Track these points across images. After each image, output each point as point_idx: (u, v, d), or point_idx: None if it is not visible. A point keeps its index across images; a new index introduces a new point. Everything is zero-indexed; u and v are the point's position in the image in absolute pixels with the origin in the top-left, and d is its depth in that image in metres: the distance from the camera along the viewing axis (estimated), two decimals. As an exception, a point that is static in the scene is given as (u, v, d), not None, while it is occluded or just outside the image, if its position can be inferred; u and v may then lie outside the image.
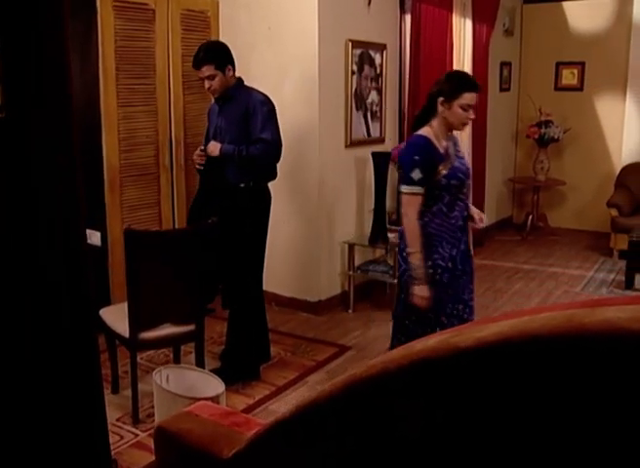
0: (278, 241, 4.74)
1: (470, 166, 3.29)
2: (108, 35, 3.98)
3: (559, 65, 7.32)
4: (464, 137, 6.04)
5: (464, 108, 2.87)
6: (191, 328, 3.21)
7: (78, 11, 4.02)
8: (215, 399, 2.22)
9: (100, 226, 4.14)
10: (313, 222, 4.63)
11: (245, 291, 3.61)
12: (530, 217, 7.16)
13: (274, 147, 3.49)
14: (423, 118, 3.00)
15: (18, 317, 1.42)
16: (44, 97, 1.34)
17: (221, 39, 4.72)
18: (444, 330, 1.76)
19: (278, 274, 4.75)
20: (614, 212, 6.25)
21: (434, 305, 2.94)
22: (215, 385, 2.45)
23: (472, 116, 2.92)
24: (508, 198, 7.79)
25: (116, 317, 3.21)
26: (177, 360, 3.56)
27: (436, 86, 2.99)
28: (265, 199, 3.65)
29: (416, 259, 2.87)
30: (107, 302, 4.03)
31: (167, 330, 3.13)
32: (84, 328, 1.43)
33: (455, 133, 3.04)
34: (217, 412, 1.59)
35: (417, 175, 2.84)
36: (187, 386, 2.46)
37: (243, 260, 3.59)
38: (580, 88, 7.25)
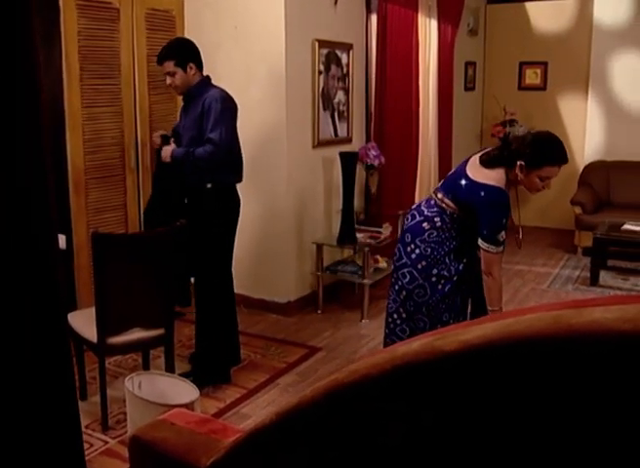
0: (246, 242, 4.70)
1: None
2: (72, 34, 3.90)
3: (522, 65, 7.42)
4: (431, 138, 6.08)
5: (542, 179, 2.75)
6: (160, 332, 3.16)
7: (41, 9, 3.93)
8: (189, 405, 2.18)
9: (66, 229, 4.05)
10: (281, 223, 4.61)
11: (213, 292, 3.57)
12: (495, 216, 7.22)
13: (220, 149, 3.38)
14: (496, 160, 2.81)
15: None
16: (13, 95, 1.29)
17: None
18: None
19: (247, 276, 4.72)
20: (577, 209, 6.35)
21: (432, 314, 2.96)
22: (189, 391, 2.41)
23: (548, 187, 2.77)
24: (474, 196, 7.85)
25: (84, 322, 3.14)
26: (146, 364, 3.51)
27: (521, 144, 2.77)
28: (232, 200, 3.62)
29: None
30: (73, 307, 3.95)
31: (136, 334, 3.08)
32: (54, 333, 1.39)
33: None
34: (192, 420, 1.56)
35: (503, 236, 2.79)
36: (160, 392, 2.41)
37: (210, 262, 3.55)
38: (543, 87, 7.36)
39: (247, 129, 4.08)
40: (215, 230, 3.51)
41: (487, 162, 2.82)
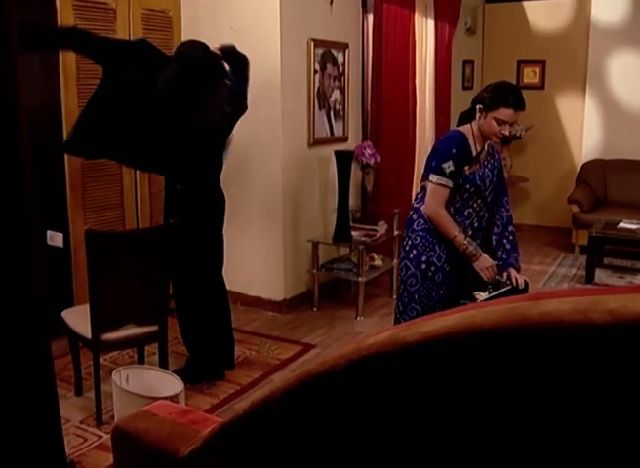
0: (242, 240, 4.75)
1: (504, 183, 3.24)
2: (68, 35, 3.94)
3: (521, 64, 7.43)
4: (428, 136, 6.11)
5: (499, 122, 2.86)
6: (154, 328, 3.21)
7: (37, 10, 3.98)
8: (174, 398, 2.22)
9: (63, 228, 4.10)
10: (277, 221, 4.65)
11: (190, 293, 3.58)
12: (493, 214, 7.26)
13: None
14: (467, 117, 3.03)
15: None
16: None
17: (184, 38, 4.72)
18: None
19: (243, 274, 4.76)
20: (574, 208, 6.37)
21: (424, 302, 3.01)
22: (174, 385, 2.46)
23: (506, 132, 2.88)
24: (473, 195, 7.88)
25: (78, 318, 3.19)
26: (141, 360, 3.55)
27: (482, 91, 3.00)
28: (208, 201, 3.55)
29: (460, 242, 2.92)
30: (71, 304, 4.00)
31: (130, 330, 3.13)
32: (32, 334, 1.41)
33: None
34: (174, 411, 1.60)
35: (449, 167, 2.89)
36: (147, 386, 2.46)
37: (189, 263, 3.51)
38: (541, 86, 7.37)
39: (243, 127, 4.10)
40: (193, 232, 3.47)
41: (459, 122, 3.09)
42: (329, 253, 5.10)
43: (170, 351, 3.98)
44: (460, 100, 7.12)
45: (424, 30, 5.91)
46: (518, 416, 1.04)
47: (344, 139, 5.16)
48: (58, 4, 3.88)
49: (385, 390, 1.15)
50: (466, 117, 3.05)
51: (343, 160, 4.66)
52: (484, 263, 2.95)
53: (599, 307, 0.94)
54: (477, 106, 2.93)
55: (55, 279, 4.14)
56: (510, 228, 3.15)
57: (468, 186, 2.95)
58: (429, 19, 5.96)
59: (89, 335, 3.05)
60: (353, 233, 4.84)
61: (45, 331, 1.39)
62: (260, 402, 1.30)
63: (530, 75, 7.40)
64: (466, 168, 2.93)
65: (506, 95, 2.87)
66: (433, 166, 2.94)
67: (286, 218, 4.67)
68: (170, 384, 2.48)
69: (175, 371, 3.60)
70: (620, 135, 6.84)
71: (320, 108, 4.83)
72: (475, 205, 3.01)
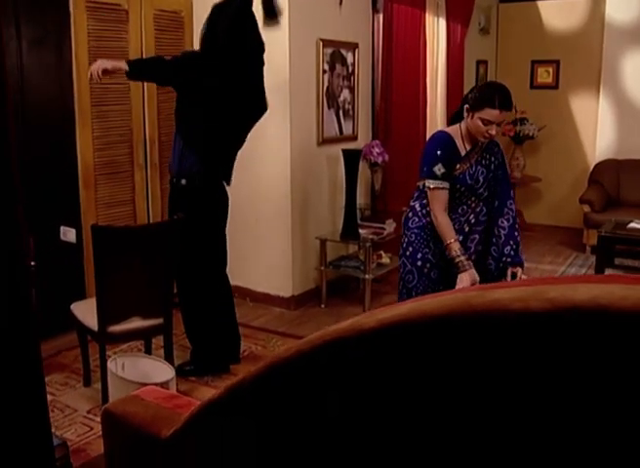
0: (251, 237, 4.83)
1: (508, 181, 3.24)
2: (82, 35, 4.05)
3: (534, 64, 7.44)
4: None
5: (485, 122, 2.88)
6: (160, 321, 3.29)
7: (51, 11, 4.10)
8: (164, 384, 2.30)
9: (76, 223, 4.20)
10: (285, 219, 4.71)
11: (193, 288, 3.66)
12: (506, 214, 7.27)
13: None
14: (458, 117, 3.07)
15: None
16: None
17: (195, 39, 4.81)
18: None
19: (252, 270, 4.84)
20: (586, 207, 6.37)
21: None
22: (166, 372, 2.54)
23: (493, 132, 2.89)
24: (486, 195, 7.90)
25: (86, 311, 3.28)
26: (148, 353, 3.64)
27: (469, 91, 3.04)
28: (211, 198, 3.59)
29: (452, 250, 2.95)
30: (83, 297, 4.10)
31: (135, 323, 3.21)
32: (22, 336, 1.46)
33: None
34: (161, 396, 1.67)
35: (440, 169, 2.93)
36: (141, 373, 2.54)
37: (192, 259, 3.57)
38: (555, 86, 7.37)
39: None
40: (194, 228, 3.52)
41: (450, 122, 3.14)
42: (337, 250, 5.16)
43: (178, 345, 4.08)
44: (474, 100, 7.16)
45: (436, 30, 5.94)
46: (465, 398, 1.10)
47: (354, 138, 5.22)
48: (71, 5, 3.98)
49: (345, 373, 1.21)
50: (458, 117, 3.08)
51: (351, 158, 4.72)
52: (467, 277, 2.94)
53: (539, 296, 1.00)
54: (464, 106, 2.97)
55: (67, 273, 4.26)
56: (517, 222, 3.19)
57: (459, 186, 2.99)
58: (441, 19, 6.00)
59: (95, 327, 3.14)
60: (361, 231, 4.90)
61: (35, 334, 1.44)
62: (235, 385, 1.37)
63: (544, 75, 7.39)
64: (457, 167, 2.97)
65: (492, 95, 2.88)
66: (425, 171, 2.99)
67: (294, 216, 4.74)
68: (162, 371, 2.56)
69: (181, 365, 3.70)
70: (634, 134, 6.81)
71: (329, 107, 4.89)
72: (469, 202, 3.05)
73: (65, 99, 4.10)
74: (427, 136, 5.88)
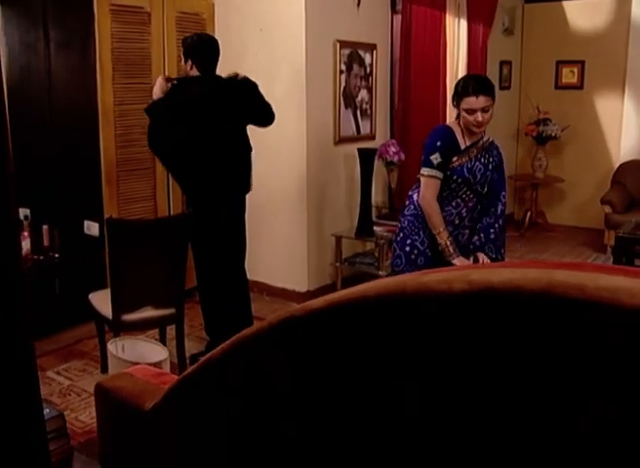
0: (269, 232, 4.96)
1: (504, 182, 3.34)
2: (105, 37, 4.22)
3: (559, 64, 7.42)
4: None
5: (469, 112, 2.99)
6: (172, 311, 3.43)
7: (77, 14, 4.28)
8: (157, 364, 2.43)
9: (99, 218, 4.38)
10: (302, 215, 4.83)
11: (211, 281, 3.82)
12: (528, 214, 7.28)
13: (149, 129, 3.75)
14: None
15: None
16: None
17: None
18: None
19: (269, 265, 4.97)
20: (607, 208, 6.35)
21: None
22: (161, 353, 2.67)
23: (479, 119, 2.97)
24: (509, 195, 7.89)
25: (102, 300, 3.44)
26: (162, 342, 3.78)
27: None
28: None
29: (442, 239, 3.08)
30: (104, 288, 4.27)
31: (148, 312, 3.36)
32: (13, 333, 1.55)
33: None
34: (149, 374, 1.79)
35: (437, 158, 3.05)
36: (139, 354, 2.69)
37: (208, 254, 3.78)
38: (579, 86, 7.34)
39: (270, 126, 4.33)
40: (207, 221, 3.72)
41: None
42: (354, 247, 5.25)
43: (195, 336, 4.24)
44: (497, 101, 7.17)
45: (456, 31, 5.99)
46: (398, 374, 1.20)
47: (372, 137, 5.31)
48: (95, 8, 4.16)
49: (296, 350, 1.33)
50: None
51: (366, 157, 4.81)
52: (458, 263, 3.06)
53: (463, 278, 1.11)
54: (453, 103, 3.10)
55: (90, 265, 4.44)
56: (501, 222, 3.25)
57: (455, 177, 3.07)
58: (462, 20, 6.04)
59: (110, 316, 3.30)
60: (377, 228, 4.99)
61: (27, 331, 1.54)
62: (206, 359, 1.49)
63: (568, 75, 7.37)
64: (455, 159, 3.06)
65: (466, 84, 3.01)
66: (423, 159, 3.08)
67: (310, 213, 4.85)
68: (158, 353, 2.70)
69: (195, 354, 3.85)
70: (659, 135, 6.77)
71: (346, 107, 4.99)
72: (464, 196, 3.13)
73: (89, 99, 4.27)
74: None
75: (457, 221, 3.17)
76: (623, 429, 0.92)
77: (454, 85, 5.66)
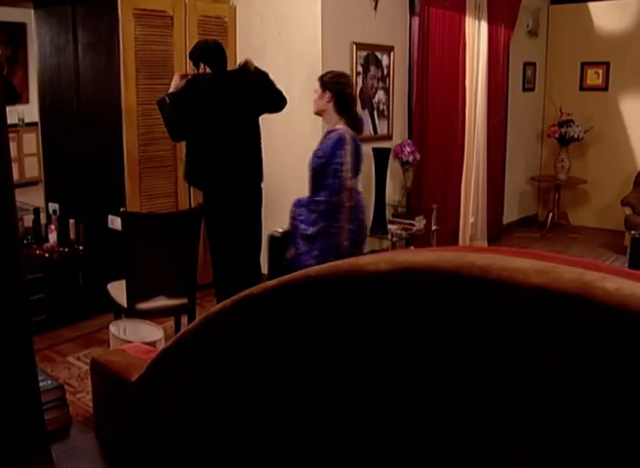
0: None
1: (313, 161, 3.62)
2: (129, 40, 4.42)
3: (584, 65, 7.42)
4: (479, 136, 6.25)
5: None
6: (184, 301, 3.60)
7: (103, 18, 4.49)
8: (152, 344, 2.59)
9: (121, 213, 4.58)
10: (317, 213, 4.96)
11: (225, 274, 3.99)
12: (550, 215, 7.29)
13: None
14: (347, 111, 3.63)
15: None
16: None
17: (238, 43, 5.14)
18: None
19: (285, 261, 5.11)
20: (627, 210, 6.35)
21: None
22: (158, 334, 2.84)
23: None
24: (533, 196, 7.92)
25: (118, 290, 3.63)
26: (177, 330, 3.96)
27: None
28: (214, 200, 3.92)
29: None
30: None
31: (161, 302, 3.53)
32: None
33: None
34: (140, 350, 1.95)
35: None
36: (139, 336, 2.85)
37: (223, 247, 3.96)
38: (604, 88, 7.33)
39: (285, 124, 4.50)
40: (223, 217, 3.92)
41: None
42: (368, 244, 5.34)
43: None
44: (520, 102, 7.23)
45: (477, 33, 6.06)
46: (335, 345, 1.33)
47: (389, 138, 5.42)
48: (120, 12, 4.36)
49: (253, 323, 1.47)
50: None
51: (381, 156, 4.93)
52: None
53: (389, 259, 1.25)
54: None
55: (113, 258, 4.64)
56: None
57: None
58: (482, 22, 6.11)
59: (125, 304, 3.48)
60: (391, 226, 5.10)
61: (26, 317, 1.69)
62: (180, 334, 1.64)
63: (593, 77, 7.37)
64: None
65: None
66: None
67: (326, 210, 4.98)
68: (156, 335, 2.86)
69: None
70: (684, 137, 6.73)
71: (363, 108, 5.11)
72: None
73: (114, 99, 4.47)
74: (466, 137, 6.02)
75: None
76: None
77: (473, 86, 5.77)
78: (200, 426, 1.62)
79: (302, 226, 3.45)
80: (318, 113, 3.59)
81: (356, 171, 3.54)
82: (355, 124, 3.53)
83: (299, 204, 3.54)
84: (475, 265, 1.13)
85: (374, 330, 1.28)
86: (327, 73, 3.63)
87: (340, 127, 3.45)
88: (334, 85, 3.48)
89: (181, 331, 1.64)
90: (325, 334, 1.36)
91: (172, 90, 3.91)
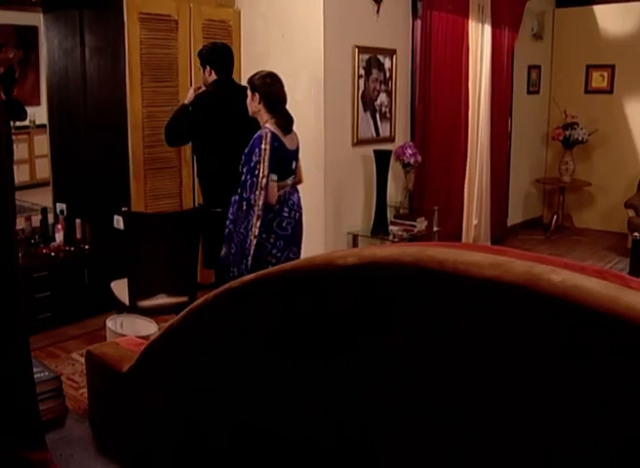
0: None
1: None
2: (134, 44, 4.51)
3: (589, 68, 7.45)
4: (483, 139, 6.29)
5: None
6: (184, 299, 3.67)
7: (109, 22, 4.59)
8: (146, 338, 2.66)
9: (127, 213, 4.66)
10: (319, 214, 5.03)
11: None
12: (555, 217, 7.32)
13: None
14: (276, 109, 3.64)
15: None
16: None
17: (242, 46, 5.22)
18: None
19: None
20: (630, 212, 6.37)
21: None
22: (153, 329, 2.92)
23: None
24: (538, 198, 7.95)
25: (121, 288, 3.71)
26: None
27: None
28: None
29: None
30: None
31: (162, 299, 3.61)
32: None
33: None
34: (133, 343, 2.03)
35: None
36: (135, 330, 2.93)
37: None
38: (609, 91, 7.36)
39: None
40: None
41: None
42: (370, 245, 5.42)
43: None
44: (525, 105, 7.26)
45: (480, 36, 6.10)
46: (319, 338, 1.40)
47: (391, 140, 5.48)
48: (125, 16, 4.45)
49: (232, 315, 1.54)
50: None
51: (382, 158, 4.99)
52: None
53: (357, 253, 1.32)
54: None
55: (118, 257, 4.72)
56: None
57: None
58: (486, 26, 6.15)
59: (127, 302, 3.56)
60: (393, 228, 5.16)
61: (22, 311, 1.77)
62: (167, 327, 1.71)
63: (598, 80, 7.40)
64: None
65: None
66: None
67: (328, 211, 5.05)
68: (151, 329, 2.94)
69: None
70: (688, 140, 6.74)
71: (365, 110, 5.18)
72: None
73: (119, 101, 4.57)
74: (469, 139, 6.07)
75: None
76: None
77: (477, 89, 5.81)
78: (184, 414, 1.69)
79: (227, 223, 3.53)
80: (253, 115, 3.59)
81: (280, 170, 3.54)
82: (284, 123, 3.54)
83: (232, 202, 3.59)
84: (434, 259, 1.20)
85: (342, 319, 1.34)
86: (255, 74, 3.61)
87: (267, 126, 3.49)
88: (261, 86, 3.52)
89: (169, 323, 1.71)
90: (298, 325, 1.43)
91: (186, 102, 4.13)
